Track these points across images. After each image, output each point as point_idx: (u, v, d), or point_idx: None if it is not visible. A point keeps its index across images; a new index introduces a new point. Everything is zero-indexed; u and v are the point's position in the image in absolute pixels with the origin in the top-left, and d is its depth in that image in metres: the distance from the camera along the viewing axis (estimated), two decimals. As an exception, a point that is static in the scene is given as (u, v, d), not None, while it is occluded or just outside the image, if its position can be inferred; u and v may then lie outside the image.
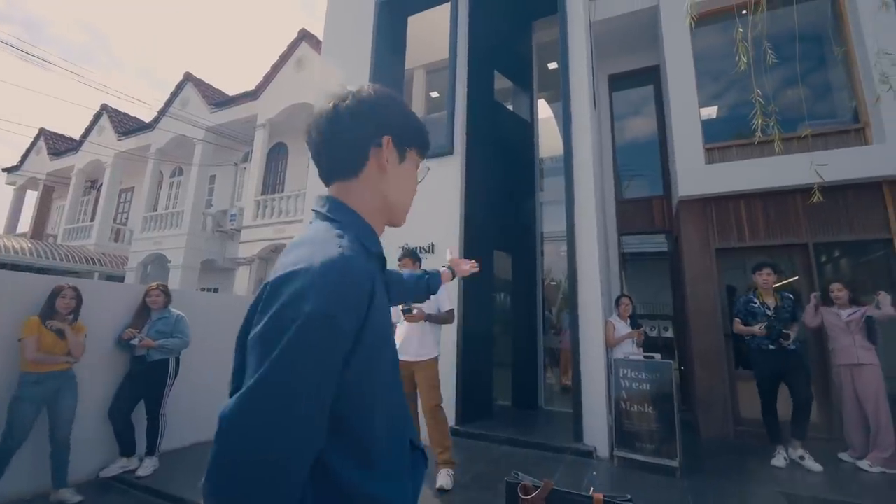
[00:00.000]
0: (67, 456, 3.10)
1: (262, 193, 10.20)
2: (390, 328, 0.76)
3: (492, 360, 5.42)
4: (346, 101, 0.79)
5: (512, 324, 6.14)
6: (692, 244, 5.24)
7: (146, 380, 3.66)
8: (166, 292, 3.93)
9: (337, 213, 0.75)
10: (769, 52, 2.72)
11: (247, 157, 11.54)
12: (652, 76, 6.77)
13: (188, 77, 11.79)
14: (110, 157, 13.09)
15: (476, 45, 5.86)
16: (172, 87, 13.07)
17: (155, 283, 3.97)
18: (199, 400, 4.17)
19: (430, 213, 5.10)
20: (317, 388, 0.58)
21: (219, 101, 11.34)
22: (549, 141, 7.29)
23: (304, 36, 9.99)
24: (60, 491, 3.04)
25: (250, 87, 10.96)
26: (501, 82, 6.65)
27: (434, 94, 8.85)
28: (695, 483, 3.40)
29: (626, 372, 3.92)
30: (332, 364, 0.60)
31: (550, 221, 6.60)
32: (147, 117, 13.74)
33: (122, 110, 14.29)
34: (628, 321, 4.56)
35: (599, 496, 1.23)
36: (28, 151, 16.02)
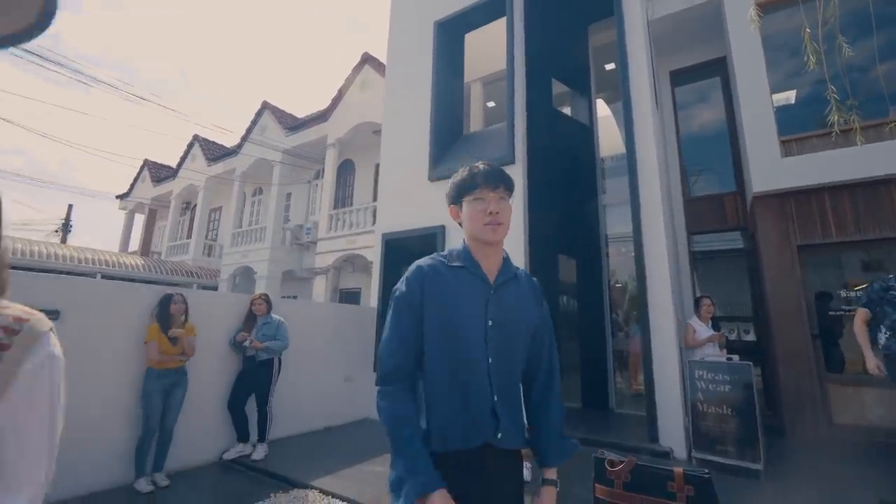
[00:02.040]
0: (169, 443, 3.57)
1: (334, 208, 11.02)
2: (452, 297, 1.12)
3: (560, 363, 5.52)
4: None
5: (579, 327, 6.20)
6: (771, 242, 5.02)
7: (255, 377, 4.23)
8: (268, 301, 4.51)
9: (446, 247, 1.19)
10: (844, 45, 2.67)
11: (318, 175, 12.51)
12: (717, 69, 6.56)
13: (265, 105, 13.02)
14: (202, 181, 14.74)
15: (533, 55, 6.04)
16: (250, 116, 14.41)
17: (258, 293, 4.56)
18: (297, 395, 4.72)
19: (494, 221, 5.34)
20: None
21: (292, 125, 12.42)
22: (609, 140, 7.27)
23: (367, 59, 10.69)
24: (156, 475, 3.44)
25: (319, 108, 11.91)
26: (559, 87, 6.77)
27: (491, 104, 9.12)
28: (780, 487, 3.32)
29: (701, 373, 3.89)
30: (410, 312, 1.12)
31: (615, 223, 6.58)
32: (231, 144, 15.30)
33: (210, 139, 16.03)
34: (709, 323, 4.47)
35: (679, 470, 1.40)
36: (136, 180, 18.43)
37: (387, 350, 1.10)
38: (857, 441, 3.93)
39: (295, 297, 12.28)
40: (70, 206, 17.50)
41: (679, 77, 6.97)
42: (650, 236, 4.55)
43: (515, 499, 1.14)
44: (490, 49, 7.43)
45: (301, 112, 14.29)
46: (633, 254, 4.66)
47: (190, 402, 3.74)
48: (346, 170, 12.21)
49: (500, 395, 1.09)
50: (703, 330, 4.37)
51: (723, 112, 6.59)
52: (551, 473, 1.17)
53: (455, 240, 5.73)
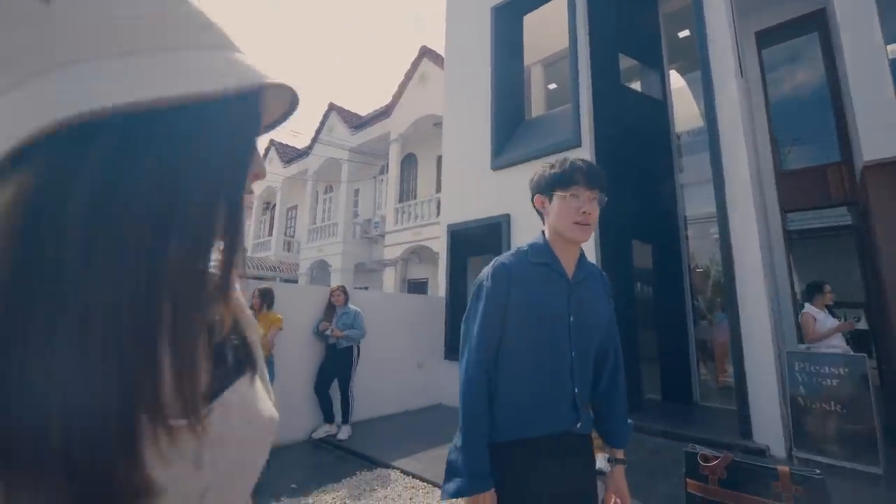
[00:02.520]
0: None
1: (399, 201, 11.36)
2: (537, 295, 1.14)
3: (636, 353, 5.29)
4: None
5: (657, 315, 5.89)
6: (888, 216, 4.38)
7: (337, 363, 4.54)
8: (345, 292, 4.79)
9: (527, 243, 1.22)
10: None
11: (383, 170, 12.94)
12: (812, 24, 5.78)
13: (331, 106, 13.67)
14: (279, 182, 15.88)
15: (597, 32, 5.74)
16: (318, 117, 15.19)
17: (336, 285, 4.87)
18: (375, 380, 5.00)
19: (561, 208, 5.20)
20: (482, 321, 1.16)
21: (357, 123, 12.93)
22: (685, 114, 6.73)
23: (426, 53, 10.80)
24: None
25: (381, 104, 12.27)
26: (626, 62, 6.38)
27: (552, 86, 8.82)
28: (906, 494, 2.94)
29: (803, 366, 3.54)
30: (496, 310, 1.15)
31: (694, 203, 6.11)
32: (302, 146, 16.28)
33: (285, 143, 17.19)
34: (825, 311, 3.99)
35: (785, 469, 1.30)
36: (222, 185, 20.35)
37: (474, 343, 1.13)
38: None
39: (366, 289, 12.89)
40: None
41: (766, 38, 6.25)
42: (737, 216, 4.18)
43: (591, 483, 1.19)
44: (550, 28, 7.16)
45: (365, 109, 14.87)
46: (716, 236, 4.32)
47: (281, 387, 4.11)
48: (409, 163, 12.51)
49: (581, 386, 1.14)
50: (824, 319, 3.91)
51: (821, 73, 5.82)
52: (621, 454, 1.24)
53: (521, 229, 5.67)
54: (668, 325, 5.73)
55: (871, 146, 4.44)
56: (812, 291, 4.07)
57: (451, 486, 1.06)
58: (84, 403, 0.23)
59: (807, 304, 4.04)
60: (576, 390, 1.12)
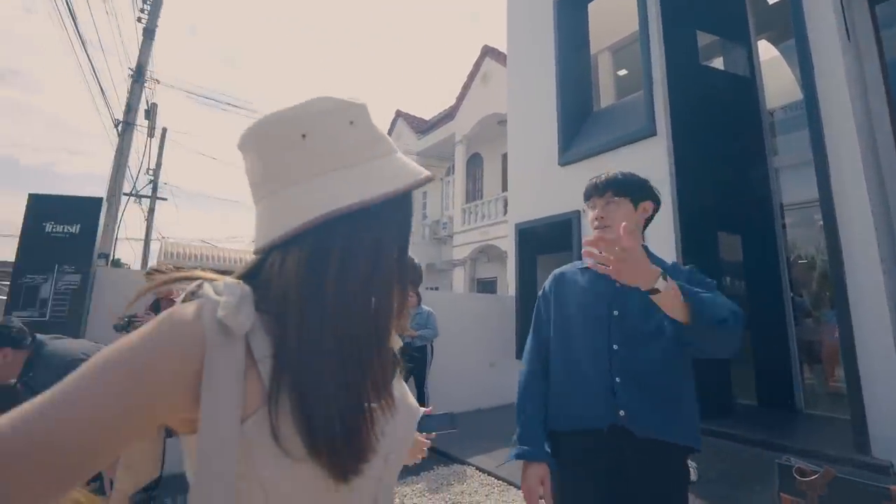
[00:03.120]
0: None
1: (466, 202, 11.50)
2: (577, 295, 1.27)
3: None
4: None
5: (750, 313, 5.38)
6: None
7: (412, 362, 4.76)
8: (418, 294, 4.99)
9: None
10: None
11: (449, 171, 13.17)
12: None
13: (398, 113, 14.20)
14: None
15: (670, 9, 5.36)
16: (385, 123, 15.86)
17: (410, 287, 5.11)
18: (449, 379, 5.15)
19: (635, 201, 4.96)
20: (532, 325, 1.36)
21: (423, 128, 13.30)
22: (780, 87, 6.04)
23: (487, 52, 10.81)
24: None
25: (446, 106, 12.48)
26: (706, 38, 5.89)
27: (622, 73, 8.38)
28: None
29: (936, 371, 3.05)
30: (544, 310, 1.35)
31: (794, 188, 5.47)
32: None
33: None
34: None
35: (898, 490, 1.18)
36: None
37: (528, 341, 1.36)
38: None
39: (437, 289, 13.23)
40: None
41: (883, -10, 5.40)
42: (846, 200, 3.71)
43: (669, 492, 1.10)
44: (618, 12, 6.83)
45: (430, 113, 15.20)
46: (821, 223, 3.86)
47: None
48: (474, 164, 12.60)
49: (624, 376, 1.14)
50: None
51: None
52: (670, 283, 0.96)
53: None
54: (764, 324, 5.21)
55: None
56: None
57: (512, 451, 1.26)
58: (347, 395, 0.42)
59: None
60: (616, 380, 1.14)
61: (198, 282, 0.44)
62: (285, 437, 0.38)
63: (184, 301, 0.42)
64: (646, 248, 1.27)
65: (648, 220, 1.32)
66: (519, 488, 3.38)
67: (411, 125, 13.63)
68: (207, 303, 0.40)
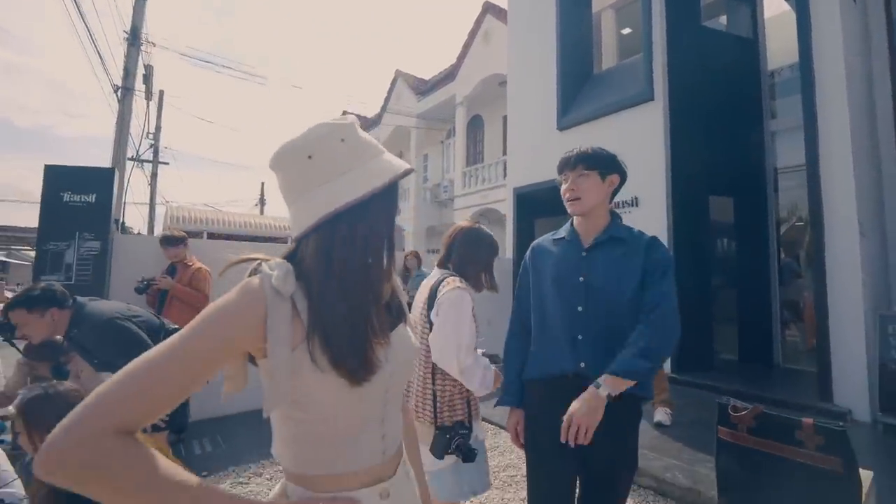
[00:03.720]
0: None
1: (467, 165, 11.50)
2: (548, 261, 1.44)
3: (710, 311, 5.15)
4: None
5: (738, 274, 5.60)
6: None
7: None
8: (418, 256, 5.22)
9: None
10: None
11: (450, 134, 13.06)
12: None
13: (398, 73, 13.88)
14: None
15: (675, -34, 5.22)
16: (384, 84, 15.50)
17: (410, 250, 5.32)
18: (447, 337, 5.47)
19: (630, 166, 5.05)
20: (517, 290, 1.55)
21: (423, 89, 13.06)
22: (784, 46, 5.93)
23: (489, 8, 10.45)
24: None
25: (447, 66, 12.21)
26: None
27: (626, 31, 8.17)
28: None
29: (897, 328, 3.30)
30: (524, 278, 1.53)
31: (788, 152, 5.51)
32: (370, 115, 16.81)
33: (355, 112, 17.85)
34: None
35: (810, 420, 1.41)
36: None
37: (513, 311, 1.56)
38: None
39: (438, 251, 13.48)
40: (262, 184, 21.78)
41: (897, -57, 5.20)
42: (830, 164, 3.81)
43: (623, 434, 1.30)
44: (623, -32, 6.60)
45: (431, 72, 14.80)
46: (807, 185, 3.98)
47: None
48: (475, 126, 12.47)
49: (586, 334, 1.31)
50: None
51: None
52: (605, 379, 1.19)
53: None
54: (749, 284, 5.45)
55: None
56: None
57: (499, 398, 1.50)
58: (354, 333, 0.64)
59: None
60: (578, 336, 1.31)
61: (257, 262, 0.66)
62: (318, 358, 0.61)
63: (249, 275, 0.65)
64: (613, 214, 1.43)
65: (615, 192, 1.46)
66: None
67: (411, 86, 13.37)
68: (265, 275, 0.62)
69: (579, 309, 1.33)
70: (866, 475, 1.39)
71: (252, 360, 0.66)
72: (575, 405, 1.19)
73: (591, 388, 1.19)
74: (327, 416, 0.64)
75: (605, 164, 1.39)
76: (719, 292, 5.56)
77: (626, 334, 1.29)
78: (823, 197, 3.82)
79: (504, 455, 3.22)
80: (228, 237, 13.31)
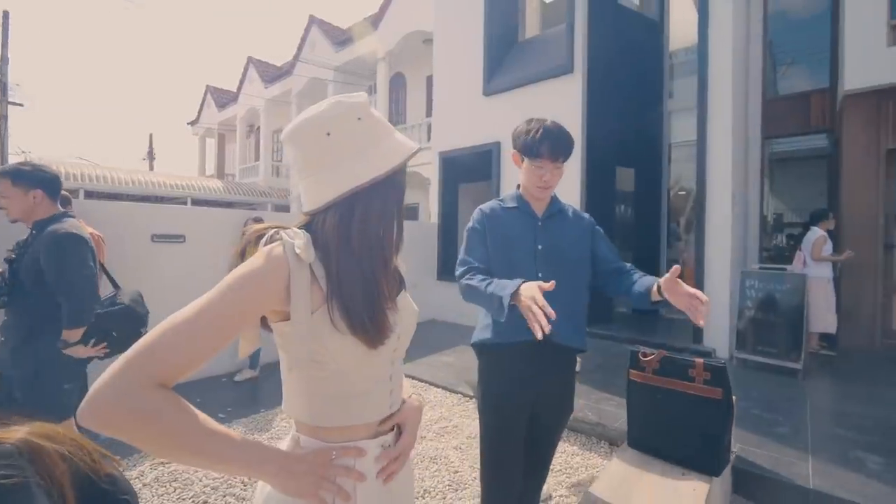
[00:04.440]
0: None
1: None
2: (506, 229, 1.44)
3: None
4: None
5: (635, 236, 6.31)
6: (856, 145, 4.64)
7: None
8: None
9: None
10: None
11: (371, 91, 12.46)
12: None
13: (312, 20, 12.71)
14: (262, 104, 15.21)
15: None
16: (296, 31, 14.15)
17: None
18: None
19: (550, 136, 5.32)
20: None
21: (341, 39, 12.15)
22: (683, 30, 6.55)
23: (412, -43, 9.88)
24: (249, 370, 4.01)
25: (366, 14, 11.45)
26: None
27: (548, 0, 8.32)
28: (818, 384, 3.59)
29: (752, 283, 4.03)
30: (477, 237, 1.46)
31: (681, 130, 6.24)
32: (282, 62, 15.32)
33: (265, 60, 16.13)
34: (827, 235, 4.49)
35: (700, 360, 1.74)
36: (201, 106, 19.34)
37: (464, 257, 1.44)
38: (911, 346, 4.01)
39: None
40: (151, 136, 19.00)
41: (775, -53, 5.92)
42: (714, 141, 4.39)
43: (568, 385, 1.49)
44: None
45: (350, 21, 13.76)
46: (696, 160, 4.57)
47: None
48: (397, 84, 12.03)
49: (547, 299, 1.31)
50: (829, 243, 4.38)
51: (825, -10, 5.64)
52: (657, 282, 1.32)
53: (511, 159, 5.81)
54: (643, 246, 6.19)
55: (855, 75, 4.56)
56: (819, 217, 4.47)
57: (501, 304, 1.21)
58: (375, 292, 0.71)
59: (815, 228, 4.41)
60: None
61: (274, 230, 0.71)
62: (337, 322, 0.67)
63: (266, 244, 0.69)
64: (554, 196, 1.53)
65: None
66: (439, 387, 3.85)
67: (328, 34, 12.35)
68: (287, 243, 0.67)
69: (540, 275, 1.38)
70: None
71: (263, 324, 0.71)
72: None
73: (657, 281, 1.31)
74: (344, 374, 0.70)
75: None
76: (622, 254, 6.26)
77: (581, 297, 1.47)
78: (708, 170, 4.42)
79: (434, 409, 3.41)
80: (112, 196, 11.58)
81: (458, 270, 1.43)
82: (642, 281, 1.38)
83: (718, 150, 4.39)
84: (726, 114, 4.36)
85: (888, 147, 4.48)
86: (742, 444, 2.46)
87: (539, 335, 1.06)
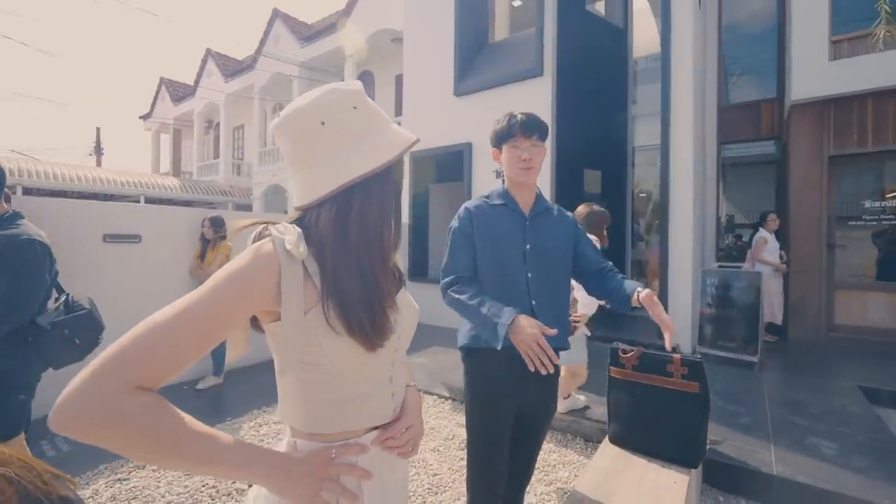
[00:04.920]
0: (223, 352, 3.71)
1: (356, 124, 10.95)
2: (495, 228, 1.40)
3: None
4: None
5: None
6: (802, 152, 4.98)
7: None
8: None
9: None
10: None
11: (337, 89, 12.20)
12: (775, -48, 5.86)
13: (276, 13, 12.31)
14: (222, 98, 14.57)
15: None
16: (259, 24, 13.69)
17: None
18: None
19: (521, 138, 5.39)
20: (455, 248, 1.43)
21: (307, 35, 11.84)
22: (645, 38, 6.82)
23: (381, -46, 9.76)
24: (213, 377, 3.73)
25: (335, 11, 11.20)
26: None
27: (517, 3, 8.44)
28: (773, 376, 3.82)
29: (713, 281, 4.24)
30: (465, 239, 1.42)
31: (644, 134, 6.49)
32: (244, 57, 14.76)
33: (225, 53, 15.46)
34: (772, 235, 4.81)
35: (678, 356, 1.79)
36: (155, 99, 18.29)
37: (450, 266, 1.40)
38: (852, 340, 4.33)
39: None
40: (98, 129, 17.79)
41: (729, -37, 6.27)
42: (677, 148, 4.59)
43: (553, 384, 1.48)
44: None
45: (316, 17, 13.41)
46: (660, 164, 4.75)
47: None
48: (365, 82, 11.75)
49: (539, 299, 1.38)
50: (773, 242, 4.73)
51: (774, 8, 6.03)
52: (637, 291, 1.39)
53: (483, 159, 5.86)
54: (609, 248, 6.36)
55: (800, 86, 4.88)
56: (764, 218, 4.86)
57: (496, 332, 1.21)
58: (374, 291, 0.66)
59: (760, 229, 4.76)
60: (533, 302, 1.36)
61: (263, 225, 0.66)
62: (333, 322, 0.62)
63: (255, 240, 0.65)
64: (539, 193, 1.53)
65: None
66: (420, 390, 3.81)
67: (293, 29, 11.99)
68: (277, 239, 0.62)
69: (529, 275, 1.38)
70: (709, 393, 1.83)
71: (254, 325, 0.66)
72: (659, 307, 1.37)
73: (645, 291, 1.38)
74: (341, 377, 0.66)
75: (546, 136, 1.43)
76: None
77: (566, 296, 1.48)
78: (671, 173, 4.61)
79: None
80: (56, 193, 10.72)
81: (444, 279, 1.40)
82: (626, 285, 1.41)
83: (681, 154, 4.59)
84: (688, 119, 4.57)
85: (830, 153, 4.83)
86: (709, 435, 2.56)
87: (533, 370, 1.13)
